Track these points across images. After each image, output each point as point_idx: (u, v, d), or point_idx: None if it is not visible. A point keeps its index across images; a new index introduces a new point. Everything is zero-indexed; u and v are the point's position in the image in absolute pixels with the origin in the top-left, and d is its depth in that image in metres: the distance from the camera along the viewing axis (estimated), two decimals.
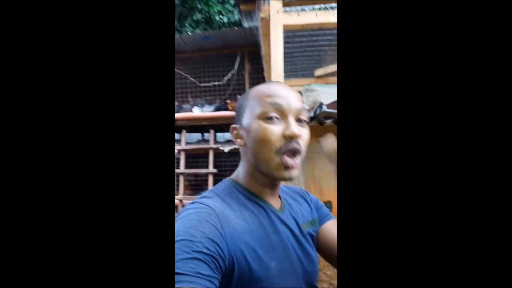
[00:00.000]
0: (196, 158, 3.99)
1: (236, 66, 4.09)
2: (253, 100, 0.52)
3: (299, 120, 0.51)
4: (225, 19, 6.50)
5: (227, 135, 5.03)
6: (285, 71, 2.37)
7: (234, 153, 4.28)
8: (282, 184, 0.64)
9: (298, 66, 2.74)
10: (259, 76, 4.48)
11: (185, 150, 4.67)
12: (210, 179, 3.66)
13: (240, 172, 0.57)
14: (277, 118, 0.50)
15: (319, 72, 2.09)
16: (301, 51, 2.40)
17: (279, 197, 0.59)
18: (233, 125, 0.56)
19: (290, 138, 0.48)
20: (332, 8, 1.15)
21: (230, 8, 6.67)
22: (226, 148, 4.08)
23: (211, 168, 3.71)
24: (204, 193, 0.53)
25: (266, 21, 1.22)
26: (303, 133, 0.51)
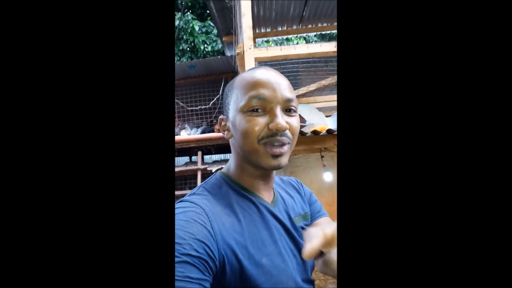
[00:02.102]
0: (185, 180, 4.14)
1: (221, 91, 4.38)
2: (237, 90, 0.49)
3: (287, 110, 0.48)
4: (209, 48, 6.90)
5: (214, 157, 5.17)
6: None
7: None
8: (276, 175, 0.61)
9: None
10: None
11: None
12: None
13: (230, 165, 0.55)
14: (261, 110, 0.47)
15: (302, 91, 2.33)
16: None
17: (272, 189, 0.56)
18: (221, 116, 0.54)
19: (276, 131, 0.46)
20: (298, 38, 1.42)
21: (214, 38, 7.10)
22: (214, 168, 4.24)
23: None
24: (194, 189, 0.52)
25: (241, 55, 1.48)
26: (292, 123, 0.48)
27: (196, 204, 0.45)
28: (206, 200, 0.47)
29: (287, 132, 0.47)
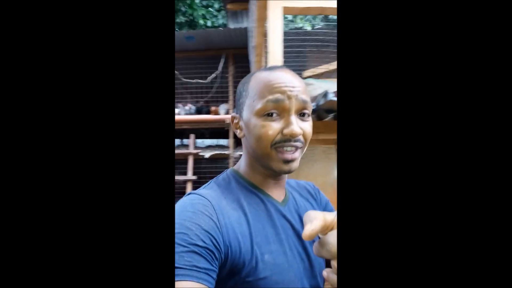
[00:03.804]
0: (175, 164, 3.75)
1: (220, 68, 3.93)
2: (253, 91, 0.49)
3: (302, 114, 0.49)
4: (209, 23, 6.38)
5: (208, 141, 4.81)
6: None
7: (216, 159, 4.07)
8: (292, 178, 0.62)
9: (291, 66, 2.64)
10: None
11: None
12: (189, 187, 3.42)
13: (241, 163, 0.55)
14: (277, 114, 0.47)
15: (307, 73, 2.00)
16: (286, 54, 2.30)
17: (285, 189, 0.56)
18: (233, 114, 0.54)
19: (290, 136, 0.46)
20: None
21: (215, 12, 6.57)
22: (207, 154, 3.87)
23: (190, 175, 3.48)
24: (205, 184, 0.53)
25: (263, 4, 1.08)
26: (305, 128, 0.48)
27: (203, 196, 0.46)
28: (214, 194, 0.48)
29: (300, 137, 0.48)
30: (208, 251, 0.40)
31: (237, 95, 0.53)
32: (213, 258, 0.40)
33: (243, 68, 4.48)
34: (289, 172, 0.49)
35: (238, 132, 0.53)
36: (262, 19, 1.27)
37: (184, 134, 4.22)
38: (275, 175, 0.52)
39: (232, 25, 3.88)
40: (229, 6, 3.05)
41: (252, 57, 2.29)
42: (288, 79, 0.48)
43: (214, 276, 0.40)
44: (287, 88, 0.47)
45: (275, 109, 0.47)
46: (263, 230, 0.47)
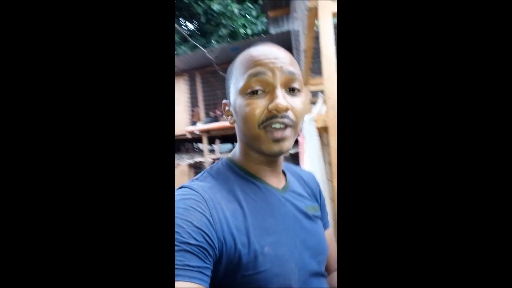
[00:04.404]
0: None
1: None
2: (237, 70, 0.46)
3: (291, 89, 0.44)
4: (249, 31, 6.66)
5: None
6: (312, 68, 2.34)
7: None
8: (298, 166, 0.60)
9: None
10: None
11: (219, 159, 4.72)
12: None
13: (236, 151, 0.52)
14: (262, 91, 0.43)
15: None
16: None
17: (284, 175, 0.53)
18: (224, 101, 0.51)
19: (276, 111, 0.42)
20: None
21: (253, 20, 6.83)
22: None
23: None
24: (198, 175, 0.49)
25: (314, 11, 1.21)
26: (295, 104, 0.44)
27: (195, 191, 0.44)
28: (208, 186, 0.45)
29: (289, 113, 0.43)
30: (200, 248, 0.38)
31: (226, 80, 0.50)
32: (207, 255, 0.39)
33: None
34: (280, 153, 0.45)
35: (229, 118, 0.49)
36: (312, 24, 1.39)
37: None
38: (270, 161, 0.49)
39: (273, 31, 4.05)
40: (270, 14, 3.22)
41: (299, 58, 2.42)
42: (270, 52, 0.44)
43: (208, 273, 0.39)
44: (269, 60, 0.43)
45: (259, 85, 0.43)
46: (262, 221, 0.45)
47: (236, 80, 0.46)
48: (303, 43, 1.59)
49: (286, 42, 4.00)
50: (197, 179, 0.48)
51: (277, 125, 0.43)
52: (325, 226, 0.58)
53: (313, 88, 2.66)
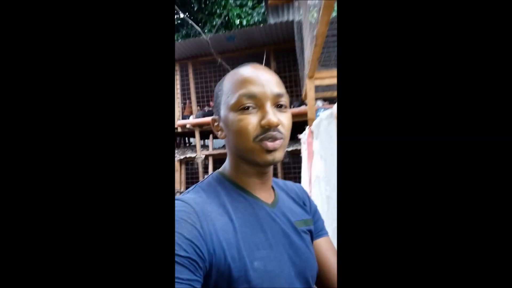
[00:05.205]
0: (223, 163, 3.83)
1: (263, 65, 3.91)
2: (227, 88, 0.49)
3: (278, 106, 0.48)
4: (244, 22, 6.40)
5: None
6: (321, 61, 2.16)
7: None
8: (285, 180, 0.62)
9: (332, 55, 2.53)
10: (285, 74, 4.30)
11: (212, 155, 4.58)
12: None
13: (226, 165, 0.53)
14: (253, 107, 0.46)
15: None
16: (335, 40, 2.19)
17: (273, 190, 0.55)
18: (213, 117, 0.53)
19: (268, 127, 0.45)
20: None
21: (249, 11, 6.57)
22: None
23: None
24: (189, 189, 0.51)
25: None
26: (283, 119, 0.47)
27: (186, 203, 0.45)
28: (199, 199, 0.47)
29: (280, 127, 0.47)
30: (191, 260, 0.38)
31: (214, 97, 0.53)
32: (197, 268, 0.39)
33: (285, 63, 4.41)
34: (273, 162, 0.48)
35: (219, 133, 0.52)
36: (330, 6, 1.19)
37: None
38: (261, 173, 0.51)
39: (272, 20, 3.83)
40: (270, 1, 2.99)
41: (307, 46, 2.22)
42: (258, 73, 0.48)
43: (198, 286, 0.39)
44: (259, 81, 0.47)
45: (250, 102, 0.46)
46: (252, 236, 0.46)
47: (227, 98, 0.48)
48: (318, 26, 1.39)
49: (283, 32, 3.79)
50: (188, 192, 0.50)
51: (270, 138, 0.46)
52: (322, 234, 0.59)
53: (319, 83, 2.47)
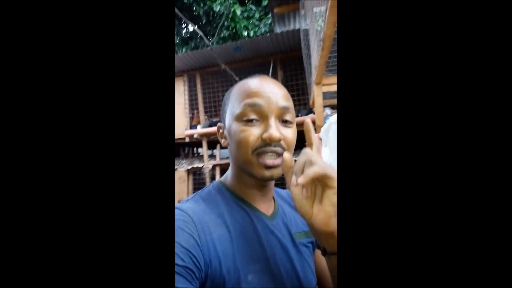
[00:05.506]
0: None
1: (270, 74, 3.90)
2: (234, 98, 0.49)
3: (284, 121, 0.47)
4: (252, 33, 6.48)
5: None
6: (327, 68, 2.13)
7: None
8: (286, 190, 0.60)
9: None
10: (292, 83, 4.28)
11: (220, 165, 4.55)
12: None
13: (228, 174, 0.53)
14: (256, 120, 0.46)
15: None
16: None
17: (274, 201, 0.54)
18: (219, 124, 0.53)
19: (269, 141, 0.45)
20: None
21: (256, 22, 6.67)
22: None
23: None
24: (189, 197, 0.51)
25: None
26: (287, 134, 0.47)
27: (185, 212, 0.45)
28: (198, 208, 0.47)
29: (282, 143, 0.46)
30: (187, 270, 0.38)
31: (222, 105, 0.53)
32: (193, 277, 0.39)
33: (291, 71, 4.40)
34: (271, 179, 0.47)
35: (222, 141, 0.52)
36: (335, 5, 1.16)
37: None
38: (261, 186, 0.50)
39: (278, 29, 3.84)
40: (276, 10, 3.00)
41: (314, 52, 2.19)
42: (267, 85, 0.47)
43: None
44: (265, 93, 0.46)
45: (254, 114, 0.46)
46: (248, 248, 0.45)
47: (232, 107, 0.48)
48: (325, 28, 1.36)
49: (289, 41, 3.79)
50: (187, 201, 0.50)
51: (270, 154, 0.45)
52: None
53: (326, 89, 2.42)
